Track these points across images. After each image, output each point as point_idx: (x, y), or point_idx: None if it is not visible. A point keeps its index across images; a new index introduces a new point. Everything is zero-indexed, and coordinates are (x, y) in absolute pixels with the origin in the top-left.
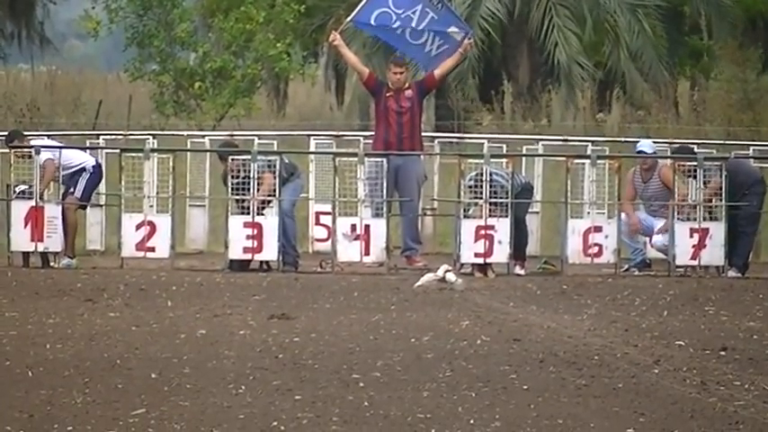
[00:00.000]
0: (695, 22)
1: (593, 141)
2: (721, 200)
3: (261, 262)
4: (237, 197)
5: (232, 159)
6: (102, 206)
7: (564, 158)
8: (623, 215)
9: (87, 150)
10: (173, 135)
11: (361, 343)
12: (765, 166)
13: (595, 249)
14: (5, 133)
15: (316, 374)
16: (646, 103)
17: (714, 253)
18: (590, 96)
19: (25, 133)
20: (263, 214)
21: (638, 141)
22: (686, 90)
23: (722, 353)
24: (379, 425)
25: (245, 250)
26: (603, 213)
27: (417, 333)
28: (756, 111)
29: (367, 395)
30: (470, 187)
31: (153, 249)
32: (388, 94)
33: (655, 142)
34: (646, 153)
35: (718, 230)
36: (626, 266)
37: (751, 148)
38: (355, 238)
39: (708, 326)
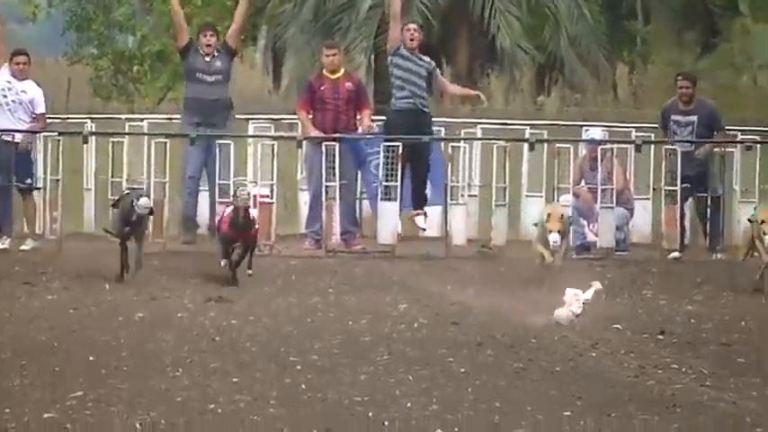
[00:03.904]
0: (633, 8)
1: (531, 125)
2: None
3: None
4: None
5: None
6: (40, 189)
7: (502, 142)
8: (571, 197)
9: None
10: (110, 118)
11: (299, 326)
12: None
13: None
14: None
15: (253, 357)
16: (584, 87)
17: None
18: (530, 80)
19: None
20: None
21: (580, 126)
22: (625, 74)
23: (660, 336)
24: (317, 408)
25: None
26: (540, 197)
27: (355, 316)
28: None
29: (304, 378)
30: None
31: (90, 233)
32: (322, 86)
33: (594, 126)
34: (595, 141)
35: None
36: None
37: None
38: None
39: (646, 309)
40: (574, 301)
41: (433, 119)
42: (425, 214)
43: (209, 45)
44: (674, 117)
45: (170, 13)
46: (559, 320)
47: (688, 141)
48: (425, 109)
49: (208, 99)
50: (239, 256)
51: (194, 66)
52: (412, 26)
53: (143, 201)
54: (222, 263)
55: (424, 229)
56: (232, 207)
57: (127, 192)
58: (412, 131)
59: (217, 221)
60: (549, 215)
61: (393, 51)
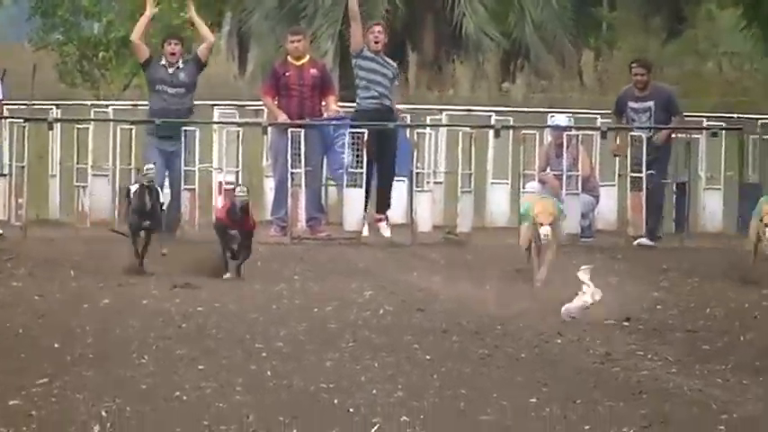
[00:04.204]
0: None
1: (497, 111)
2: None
3: None
4: None
5: None
6: (5, 176)
7: (467, 128)
8: (537, 184)
9: None
10: (76, 105)
11: (265, 313)
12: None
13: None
14: None
15: (219, 344)
16: (550, 74)
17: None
18: (495, 66)
19: None
20: None
21: (545, 112)
22: (591, 60)
23: (626, 323)
24: (283, 394)
25: None
26: (507, 183)
27: (321, 303)
28: (661, 80)
29: (270, 365)
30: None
31: (56, 219)
32: (287, 72)
33: (560, 112)
34: (561, 127)
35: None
36: None
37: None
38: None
39: (612, 296)
40: (585, 289)
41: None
42: (387, 219)
43: (173, 54)
44: (630, 104)
45: (140, 2)
46: (572, 313)
47: (649, 128)
48: (390, 109)
49: (171, 110)
50: (243, 254)
51: (156, 77)
52: (377, 28)
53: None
54: (226, 268)
55: (387, 236)
56: (228, 203)
57: (139, 183)
58: (378, 130)
59: (214, 217)
60: (539, 208)
61: (356, 54)
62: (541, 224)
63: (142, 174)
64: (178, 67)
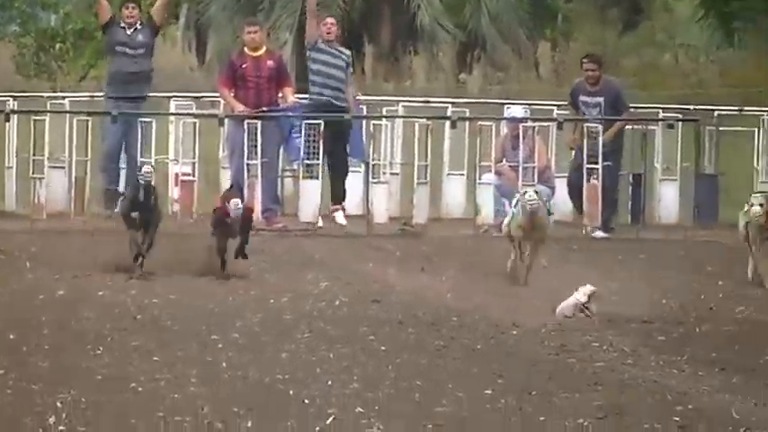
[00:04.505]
0: None
1: (453, 103)
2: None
3: None
4: None
5: None
6: None
7: (424, 120)
8: (494, 176)
9: None
10: (33, 96)
11: (220, 304)
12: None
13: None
14: None
15: (174, 336)
16: (506, 65)
17: None
18: (452, 58)
19: None
20: None
21: (501, 104)
22: (547, 51)
23: (581, 314)
24: (238, 386)
25: None
26: (463, 174)
27: (276, 294)
28: (616, 73)
29: (226, 356)
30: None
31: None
32: (244, 64)
33: (515, 104)
34: (517, 119)
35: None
36: (485, 228)
37: None
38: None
39: (567, 286)
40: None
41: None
42: (344, 209)
43: (131, 17)
44: (582, 98)
45: None
46: (565, 312)
47: (601, 119)
48: (342, 103)
49: (130, 71)
50: (239, 244)
51: (116, 39)
52: (329, 20)
53: (145, 168)
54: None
55: (344, 225)
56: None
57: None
58: (330, 124)
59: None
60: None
61: (311, 46)
62: (526, 191)
63: (139, 173)
64: (136, 29)
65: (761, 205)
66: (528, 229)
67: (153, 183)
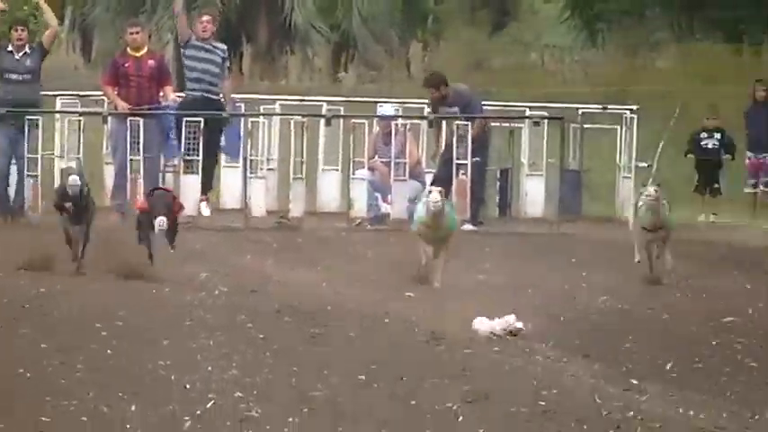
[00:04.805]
0: None
1: (328, 101)
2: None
3: None
4: None
5: None
6: None
7: (299, 117)
8: (367, 172)
9: None
10: None
11: (105, 295)
12: (496, 125)
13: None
14: None
15: (61, 324)
16: (379, 65)
17: None
18: (327, 58)
19: None
20: None
21: (374, 102)
22: (419, 51)
23: (450, 303)
24: (122, 372)
25: None
26: (337, 170)
27: (158, 285)
28: (484, 72)
29: (110, 344)
30: None
31: None
32: (126, 63)
33: (387, 102)
34: (388, 116)
35: None
36: (358, 221)
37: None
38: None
39: (440, 278)
40: (503, 323)
41: (224, 103)
42: (208, 200)
43: (20, 40)
44: (441, 108)
45: None
46: (479, 330)
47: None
48: (217, 97)
49: (18, 99)
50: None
51: (3, 65)
52: (205, 18)
53: (72, 179)
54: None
55: (207, 215)
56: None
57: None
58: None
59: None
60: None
61: (184, 44)
62: (431, 191)
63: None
64: (25, 53)
65: (655, 191)
66: (433, 229)
67: (81, 187)
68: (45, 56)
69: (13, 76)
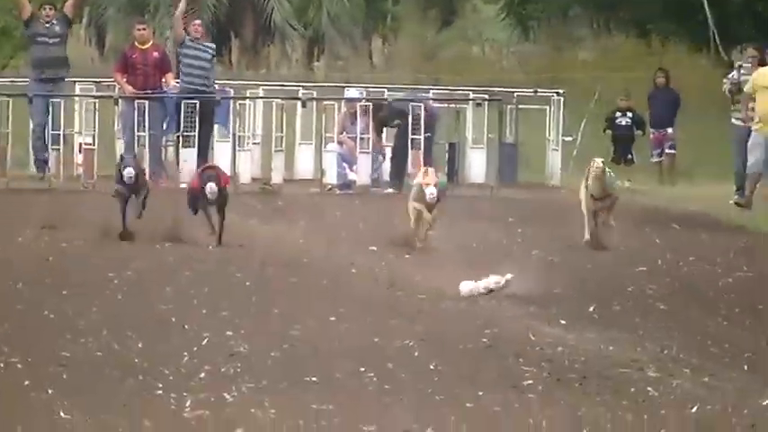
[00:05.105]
0: None
1: (303, 86)
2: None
3: None
4: None
5: None
6: None
7: (279, 100)
8: (336, 145)
9: None
10: None
11: (115, 250)
12: (443, 106)
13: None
14: None
15: (79, 274)
16: (345, 57)
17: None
18: (302, 50)
19: None
20: None
21: (342, 87)
22: (379, 45)
23: (407, 256)
24: (130, 314)
25: None
26: (311, 144)
27: (160, 240)
28: (435, 62)
29: (121, 291)
30: None
31: None
32: (134, 55)
33: (352, 87)
34: (354, 99)
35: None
36: (329, 187)
37: (431, 91)
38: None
39: (392, 233)
40: (488, 282)
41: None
42: None
43: (48, 16)
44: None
45: None
46: (462, 292)
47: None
48: (208, 88)
49: (49, 57)
50: (219, 221)
51: (37, 31)
52: (197, 22)
53: (127, 171)
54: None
55: None
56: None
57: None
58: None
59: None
60: (425, 174)
61: (180, 45)
62: (428, 185)
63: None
64: (53, 23)
65: (602, 162)
66: (428, 207)
67: (136, 173)
68: (70, 24)
69: (46, 40)
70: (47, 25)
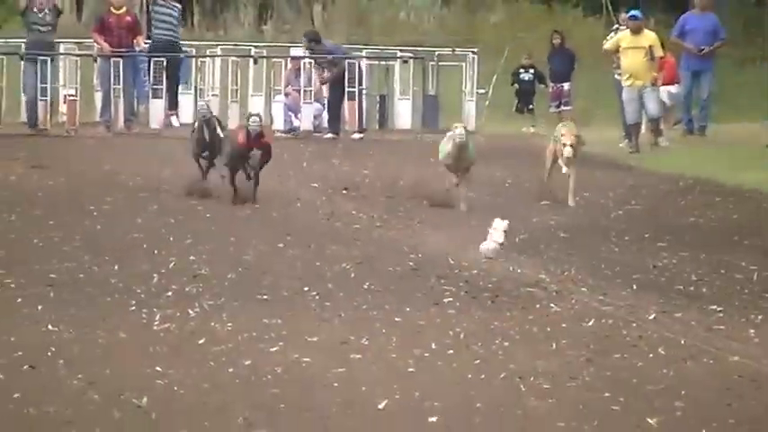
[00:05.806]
0: None
1: (255, 46)
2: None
3: None
4: None
5: None
6: None
7: (234, 58)
8: (283, 97)
9: None
10: None
11: (96, 184)
12: (376, 63)
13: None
14: None
15: (64, 206)
16: (292, 20)
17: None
18: (253, 15)
19: None
20: None
21: (287, 46)
22: (320, 10)
23: (344, 191)
24: (108, 241)
25: None
26: (261, 96)
27: (132, 176)
28: (367, 26)
29: (99, 221)
30: None
31: None
32: (110, 18)
33: (295, 46)
34: (297, 57)
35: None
36: (277, 132)
37: (364, 51)
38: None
39: (334, 173)
40: (494, 232)
41: (182, 45)
42: (177, 115)
43: (41, 7)
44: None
45: None
46: (487, 254)
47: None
48: (176, 40)
49: (43, 42)
50: (254, 170)
51: (32, 20)
52: None
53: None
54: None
55: (177, 126)
56: (243, 131)
57: (198, 118)
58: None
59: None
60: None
61: (153, 3)
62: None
63: (199, 109)
64: (45, 13)
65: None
66: (456, 159)
67: (212, 118)
68: (59, 14)
69: (40, 28)
70: (40, 15)
